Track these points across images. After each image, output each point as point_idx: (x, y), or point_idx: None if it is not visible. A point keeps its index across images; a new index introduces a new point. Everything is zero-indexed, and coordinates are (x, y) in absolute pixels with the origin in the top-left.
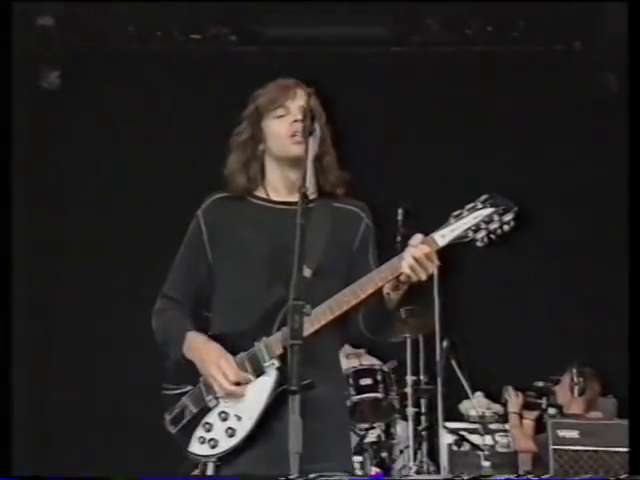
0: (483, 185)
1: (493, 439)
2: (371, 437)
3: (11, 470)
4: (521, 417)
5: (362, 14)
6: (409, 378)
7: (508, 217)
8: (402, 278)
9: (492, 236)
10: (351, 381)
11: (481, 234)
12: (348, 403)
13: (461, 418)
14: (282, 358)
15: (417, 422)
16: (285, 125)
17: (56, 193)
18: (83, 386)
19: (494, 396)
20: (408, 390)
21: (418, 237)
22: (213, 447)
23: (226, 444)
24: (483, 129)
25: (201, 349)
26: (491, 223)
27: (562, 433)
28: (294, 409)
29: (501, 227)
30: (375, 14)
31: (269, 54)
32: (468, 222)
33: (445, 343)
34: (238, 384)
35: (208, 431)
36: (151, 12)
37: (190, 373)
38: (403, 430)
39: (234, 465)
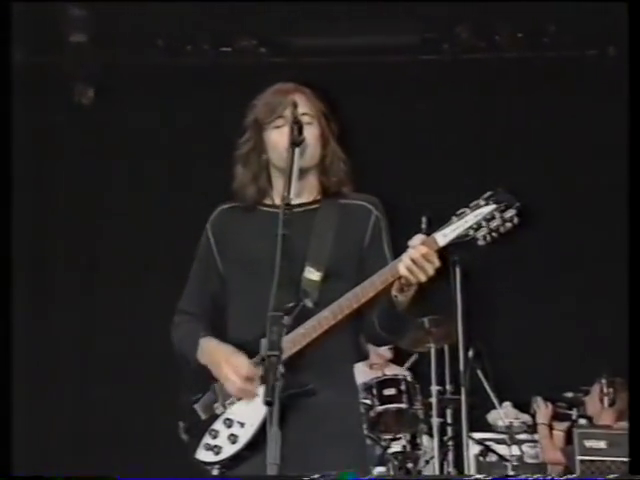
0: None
1: (520, 449)
2: (396, 447)
3: (11, 470)
4: (551, 428)
5: (391, 23)
6: (434, 388)
7: (510, 214)
8: (403, 280)
9: (494, 234)
10: (375, 391)
11: (482, 232)
12: (371, 413)
13: (490, 428)
14: (287, 364)
15: (443, 432)
16: (285, 136)
17: (89, 207)
18: (83, 386)
19: (523, 406)
20: (433, 400)
21: (418, 238)
22: (217, 454)
23: (228, 451)
24: (515, 136)
25: (213, 351)
26: (492, 221)
27: (589, 443)
28: (272, 420)
29: (503, 224)
30: (404, 22)
31: (299, 65)
32: (469, 220)
33: (470, 352)
34: (251, 381)
35: (214, 438)
36: (180, 26)
37: (205, 382)
38: (429, 440)
39: (237, 472)
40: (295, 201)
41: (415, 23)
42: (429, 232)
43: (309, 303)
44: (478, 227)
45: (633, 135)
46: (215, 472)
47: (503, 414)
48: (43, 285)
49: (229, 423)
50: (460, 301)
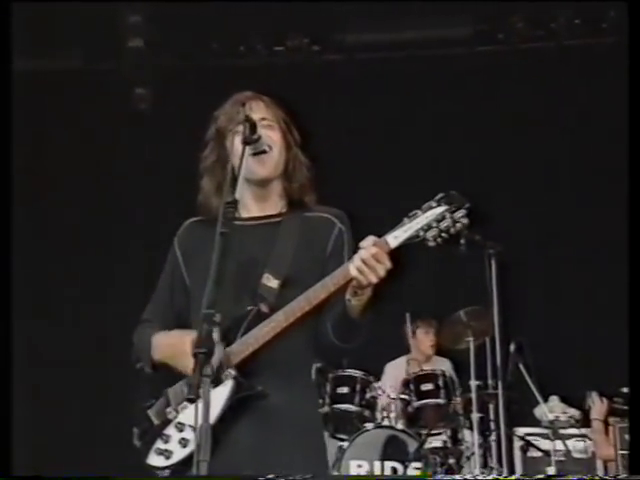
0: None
1: (564, 444)
2: (436, 443)
3: (11, 470)
4: (606, 424)
5: (444, 15)
6: (473, 383)
7: (459, 214)
8: (355, 282)
9: (444, 234)
10: (412, 387)
11: (432, 233)
12: (409, 409)
13: (537, 423)
14: (239, 367)
15: (486, 428)
16: (251, 145)
17: (156, 206)
18: (83, 386)
19: (572, 400)
20: (472, 395)
21: (369, 239)
22: (167, 458)
23: (179, 455)
24: (580, 123)
25: (162, 341)
26: (443, 221)
27: None
28: (202, 416)
29: (454, 225)
30: (457, 14)
31: (352, 61)
32: (421, 222)
33: (512, 346)
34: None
35: (165, 442)
36: (233, 28)
37: (159, 388)
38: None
39: (187, 476)
40: (260, 213)
41: (468, 15)
42: (471, 226)
43: (264, 308)
44: (428, 228)
45: None
46: (165, 476)
47: (548, 409)
48: (44, 287)
49: (180, 427)
50: (496, 293)
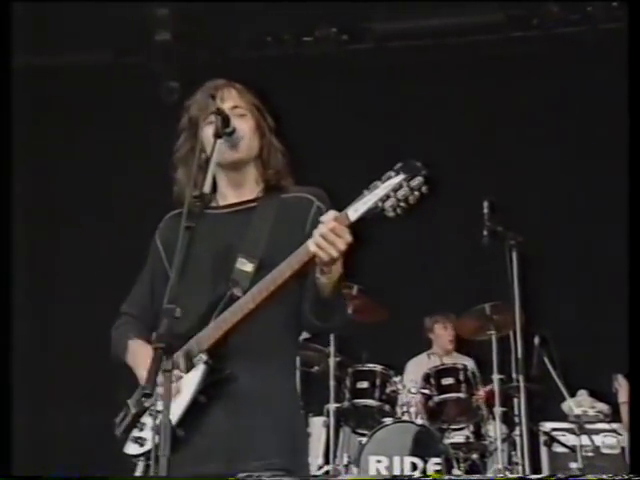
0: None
1: (590, 439)
2: (459, 438)
3: (11, 470)
4: None
5: (472, 2)
6: (495, 377)
7: (415, 182)
8: (318, 259)
9: (402, 204)
10: (433, 381)
11: (390, 203)
12: (430, 403)
13: (565, 418)
14: (210, 352)
15: (511, 422)
16: (225, 138)
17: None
18: (83, 386)
19: (601, 395)
20: (495, 389)
21: (330, 214)
22: (142, 445)
23: (152, 442)
24: (614, 110)
25: (135, 353)
26: (399, 190)
27: None
28: (164, 413)
29: (412, 193)
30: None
31: (381, 50)
32: (379, 193)
33: (536, 339)
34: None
35: (141, 430)
36: (260, 18)
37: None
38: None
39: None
40: (236, 199)
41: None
42: (491, 218)
43: (237, 292)
44: (387, 198)
45: None
46: (140, 464)
47: (575, 403)
48: (43, 286)
49: (155, 415)
50: (517, 284)
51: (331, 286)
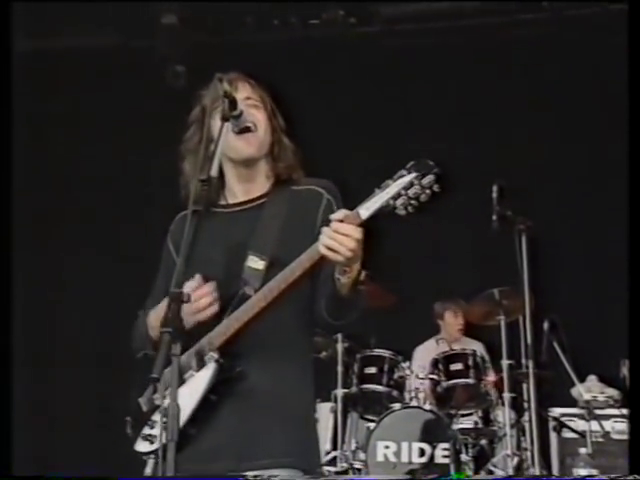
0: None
1: (600, 425)
2: (467, 424)
3: (11, 470)
4: None
5: None
6: (504, 362)
7: (427, 180)
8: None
9: (413, 202)
10: (441, 366)
11: (401, 201)
12: (438, 389)
13: (574, 403)
14: (221, 350)
15: (520, 408)
16: (232, 122)
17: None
18: (83, 386)
19: (611, 380)
20: (504, 375)
21: (341, 212)
22: (152, 443)
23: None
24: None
25: (155, 311)
26: (411, 189)
27: None
28: (172, 396)
29: (423, 191)
30: None
31: (389, 33)
32: (390, 191)
33: (545, 324)
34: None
35: (151, 428)
36: (266, 1)
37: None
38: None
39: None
40: (246, 197)
41: None
42: (501, 202)
43: (249, 291)
44: (398, 196)
45: None
46: (151, 462)
47: (584, 388)
48: (43, 286)
49: (165, 412)
50: (527, 269)
51: (350, 285)
